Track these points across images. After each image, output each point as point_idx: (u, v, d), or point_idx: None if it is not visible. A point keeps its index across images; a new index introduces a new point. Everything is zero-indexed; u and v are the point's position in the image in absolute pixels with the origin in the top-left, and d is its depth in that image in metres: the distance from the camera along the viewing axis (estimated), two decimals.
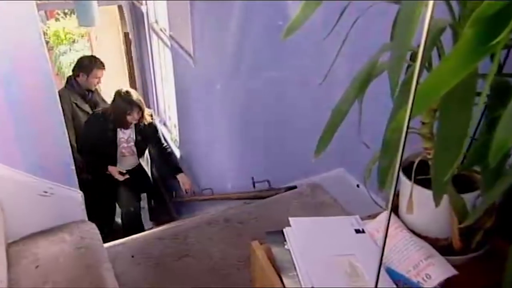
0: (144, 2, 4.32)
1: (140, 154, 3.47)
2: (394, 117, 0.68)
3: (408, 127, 0.55)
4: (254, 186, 2.60)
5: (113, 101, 3.15)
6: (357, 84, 0.86)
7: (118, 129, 3.23)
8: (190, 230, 1.74)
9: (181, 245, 1.70)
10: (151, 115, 3.42)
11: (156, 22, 4.35)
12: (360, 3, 0.91)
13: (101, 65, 3.54)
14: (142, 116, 3.17)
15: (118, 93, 3.12)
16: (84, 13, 3.94)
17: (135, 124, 3.24)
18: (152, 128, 3.37)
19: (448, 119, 0.66)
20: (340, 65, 1.04)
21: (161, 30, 4.16)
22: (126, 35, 4.94)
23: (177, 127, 4.08)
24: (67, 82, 3.56)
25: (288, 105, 2.25)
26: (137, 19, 4.81)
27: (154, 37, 4.41)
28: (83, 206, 1.58)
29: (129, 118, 3.09)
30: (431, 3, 0.49)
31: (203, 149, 3.52)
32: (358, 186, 1.87)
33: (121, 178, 3.26)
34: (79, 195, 1.57)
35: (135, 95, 3.15)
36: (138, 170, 3.50)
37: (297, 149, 2.26)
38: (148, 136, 3.40)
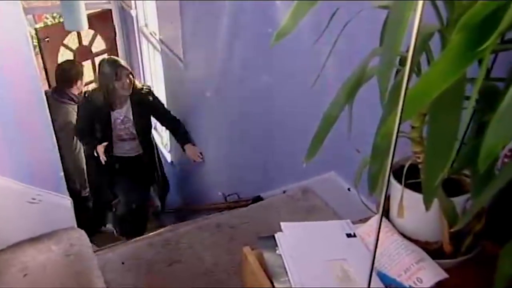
0: (133, 6, 4.30)
1: (143, 136, 3.06)
2: (384, 123, 0.68)
3: (398, 132, 0.55)
4: (239, 197, 2.64)
5: (99, 71, 2.85)
6: (347, 89, 0.86)
7: (112, 111, 2.89)
8: (181, 236, 1.73)
9: (173, 250, 1.69)
10: (148, 87, 3.08)
11: (146, 26, 4.34)
12: (351, 7, 0.92)
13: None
14: (132, 84, 2.83)
15: (102, 61, 2.86)
16: (71, 17, 3.91)
17: (130, 100, 2.88)
18: (149, 98, 2.97)
19: (438, 123, 0.66)
20: (329, 70, 1.04)
21: (151, 34, 4.15)
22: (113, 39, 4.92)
23: (167, 132, 4.08)
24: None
25: (278, 109, 2.25)
26: (126, 23, 4.79)
27: (144, 41, 4.40)
28: (72, 213, 1.57)
29: (118, 85, 2.74)
30: (419, 7, 0.49)
31: None
32: (349, 189, 1.88)
33: (103, 158, 2.89)
34: (68, 202, 1.55)
35: (121, 60, 2.89)
36: (141, 157, 3.11)
37: (287, 153, 2.27)
38: (146, 109, 2.99)
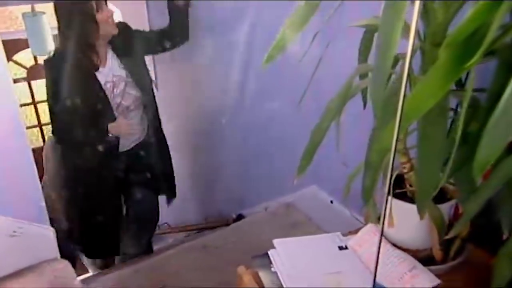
0: None
1: (148, 93, 2.04)
2: (377, 139, 0.71)
3: (395, 149, 0.57)
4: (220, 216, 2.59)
5: (63, 8, 1.79)
6: (333, 106, 0.89)
7: (97, 71, 1.88)
8: (167, 260, 1.71)
9: (159, 275, 1.66)
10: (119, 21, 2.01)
11: None
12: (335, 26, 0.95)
13: None
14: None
15: None
16: (36, 42, 3.83)
17: (111, 46, 1.94)
18: (130, 33, 1.99)
19: (427, 136, 0.69)
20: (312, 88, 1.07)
21: None
22: None
23: None
24: None
25: (257, 127, 2.27)
26: None
27: None
28: (55, 243, 1.52)
29: (102, 19, 1.78)
30: (413, 30, 0.52)
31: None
32: (331, 202, 1.91)
33: (130, 129, 1.98)
34: (50, 232, 1.51)
35: None
36: (150, 144, 2.10)
37: (267, 169, 2.28)
38: (135, 49, 2.02)
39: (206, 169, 3.02)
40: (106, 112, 1.91)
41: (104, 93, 1.90)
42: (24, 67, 4.54)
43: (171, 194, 2.30)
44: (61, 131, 1.88)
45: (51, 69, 1.86)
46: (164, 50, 2.13)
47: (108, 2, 1.91)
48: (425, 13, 0.78)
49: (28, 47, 3.96)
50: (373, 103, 0.64)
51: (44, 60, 1.91)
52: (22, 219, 1.50)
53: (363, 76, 0.94)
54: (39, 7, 2.85)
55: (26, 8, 2.80)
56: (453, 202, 1.00)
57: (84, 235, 2.07)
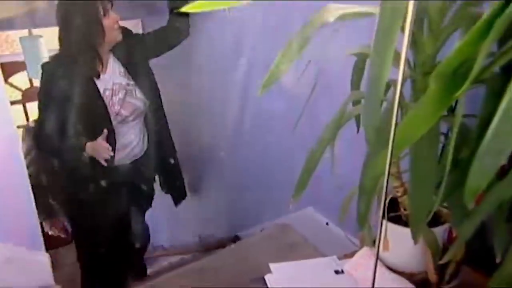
0: None
1: (155, 101, 1.91)
2: (370, 164, 0.72)
3: (389, 174, 0.59)
4: (215, 238, 2.58)
5: (65, 12, 1.67)
6: (328, 132, 0.91)
7: (97, 79, 1.77)
8: (162, 284, 1.68)
9: None
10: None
11: None
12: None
13: None
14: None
15: None
16: (34, 65, 3.87)
17: (113, 52, 1.83)
18: (133, 37, 1.90)
19: (419, 161, 0.71)
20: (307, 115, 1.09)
21: None
22: None
23: None
24: None
25: (253, 150, 2.28)
26: None
27: None
28: (50, 269, 1.51)
29: (108, 25, 1.69)
30: (403, 57, 0.54)
31: None
32: (327, 224, 1.91)
33: (107, 154, 1.76)
34: (46, 258, 1.50)
35: None
36: (149, 159, 1.97)
37: (263, 190, 2.29)
38: (139, 53, 1.89)
39: (202, 191, 3.03)
40: (102, 122, 1.79)
41: (103, 101, 1.79)
42: (20, 89, 4.57)
43: (181, 195, 2.30)
44: (48, 138, 1.76)
45: (48, 72, 1.77)
46: (167, 48, 2.03)
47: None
48: (414, 43, 0.80)
49: (23, 70, 3.98)
50: (365, 130, 0.65)
51: (42, 64, 1.84)
52: (17, 245, 1.49)
53: (356, 102, 0.96)
54: (36, 30, 2.88)
55: (24, 31, 2.83)
56: (446, 225, 1.02)
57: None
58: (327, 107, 1.01)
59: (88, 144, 1.78)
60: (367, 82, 0.65)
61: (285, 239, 2.05)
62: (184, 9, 0.70)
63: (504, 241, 0.76)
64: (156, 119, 1.98)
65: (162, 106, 2.01)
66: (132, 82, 1.87)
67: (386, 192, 0.58)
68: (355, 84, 1.01)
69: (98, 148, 1.77)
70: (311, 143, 0.93)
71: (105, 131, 1.79)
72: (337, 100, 0.94)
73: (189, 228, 3.17)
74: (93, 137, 1.77)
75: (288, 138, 1.85)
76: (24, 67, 3.20)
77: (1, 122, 1.38)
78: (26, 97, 4.63)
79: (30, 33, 2.79)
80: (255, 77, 2.01)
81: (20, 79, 4.62)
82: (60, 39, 1.74)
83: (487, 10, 0.61)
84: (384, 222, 0.98)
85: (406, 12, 0.54)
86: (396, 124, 0.59)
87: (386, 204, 1.00)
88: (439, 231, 1.00)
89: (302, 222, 2.06)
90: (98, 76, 1.79)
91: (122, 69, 1.87)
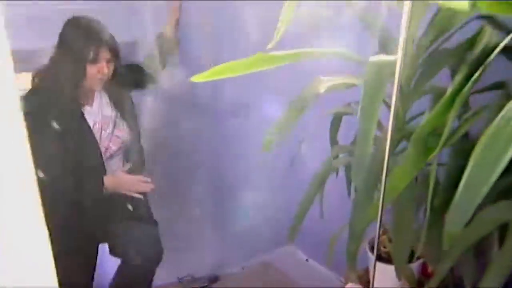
0: None
1: (134, 131, 1.83)
2: (359, 212, 0.84)
3: (381, 222, 0.71)
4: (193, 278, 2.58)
5: (60, 44, 1.56)
6: (316, 182, 1.03)
7: (82, 108, 1.63)
8: None
9: None
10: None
11: None
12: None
13: None
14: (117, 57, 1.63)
15: (66, 24, 1.55)
16: None
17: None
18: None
19: (400, 211, 0.84)
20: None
21: None
22: None
23: None
24: None
25: (232, 185, 2.36)
26: None
27: None
28: None
29: (92, 73, 1.56)
30: (391, 125, 0.67)
31: None
32: (307, 260, 2.00)
33: (148, 187, 1.73)
34: None
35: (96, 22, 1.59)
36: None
37: (244, 228, 2.35)
38: (125, 83, 1.77)
39: (178, 229, 3.04)
40: (95, 160, 1.65)
41: (94, 136, 1.64)
42: None
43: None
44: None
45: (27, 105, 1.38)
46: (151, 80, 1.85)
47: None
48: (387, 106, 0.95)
49: None
50: (355, 181, 0.78)
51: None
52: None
53: (334, 156, 1.09)
54: None
55: None
56: (421, 260, 1.15)
57: None
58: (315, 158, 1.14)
59: (109, 178, 1.68)
60: (357, 144, 0.78)
61: (267, 278, 2.13)
62: (197, 78, 0.82)
63: (472, 274, 0.89)
64: (135, 152, 1.87)
65: (140, 138, 1.87)
66: (118, 113, 1.76)
67: (378, 239, 0.70)
68: (333, 139, 1.15)
69: (122, 180, 1.69)
70: (288, 185, 1.06)
71: (127, 164, 1.78)
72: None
73: (166, 268, 3.16)
74: (89, 179, 1.66)
75: (270, 181, 1.96)
76: None
77: None
78: None
79: None
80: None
81: None
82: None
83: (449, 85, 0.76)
84: (376, 263, 1.09)
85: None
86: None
87: (376, 245, 1.12)
88: (415, 266, 1.12)
89: (283, 259, 2.14)
90: (83, 106, 1.64)
91: (108, 100, 1.74)
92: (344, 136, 1.16)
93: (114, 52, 1.59)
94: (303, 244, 1.97)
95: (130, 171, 1.75)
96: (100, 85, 1.62)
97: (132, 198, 1.72)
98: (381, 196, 0.68)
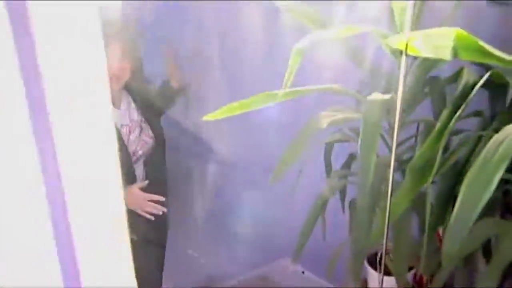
0: None
1: (159, 137, 1.73)
2: (364, 232, 0.95)
3: (386, 242, 0.82)
4: None
5: None
6: (318, 205, 1.14)
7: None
8: None
9: None
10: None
11: None
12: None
13: None
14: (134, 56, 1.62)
15: None
16: None
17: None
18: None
19: (399, 228, 0.95)
20: None
21: None
22: None
23: None
24: None
25: (228, 196, 2.42)
26: None
27: None
28: None
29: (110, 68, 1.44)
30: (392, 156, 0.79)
31: None
32: (303, 272, 2.09)
33: (158, 209, 1.59)
34: None
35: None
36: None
37: (243, 242, 2.41)
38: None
39: (174, 242, 3.06)
40: (123, 163, 1.40)
41: (122, 139, 1.57)
42: None
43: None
44: None
45: None
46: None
47: None
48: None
49: None
50: (360, 205, 0.89)
51: None
52: None
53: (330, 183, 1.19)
54: None
55: None
56: (414, 270, 1.26)
57: None
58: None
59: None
60: (359, 172, 0.89)
61: None
62: (210, 116, 0.92)
63: (464, 284, 1.01)
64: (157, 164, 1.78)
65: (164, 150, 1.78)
66: (144, 118, 1.70)
67: (384, 257, 0.80)
68: (328, 167, 1.25)
69: (134, 196, 1.56)
70: (284, 199, 1.16)
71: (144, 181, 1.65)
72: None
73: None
74: None
75: (267, 199, 2.04)
76: None
77: None
78: None
79: None
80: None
81: None
82: None
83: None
84: (375, 273, 1.20)
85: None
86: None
87: (378, 259, 1.22)
88: (410, 275, 1.24)
89: (279, 272, 2.22)
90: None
91: (133, 104, 1.68)
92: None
93: (128, 48, 1.52)
94: (300, 257, 2.05)
95: (145, 189, 1.60)
96: (117, 84, 1.55)
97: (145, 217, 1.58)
98: (386, 216, 0.78)
